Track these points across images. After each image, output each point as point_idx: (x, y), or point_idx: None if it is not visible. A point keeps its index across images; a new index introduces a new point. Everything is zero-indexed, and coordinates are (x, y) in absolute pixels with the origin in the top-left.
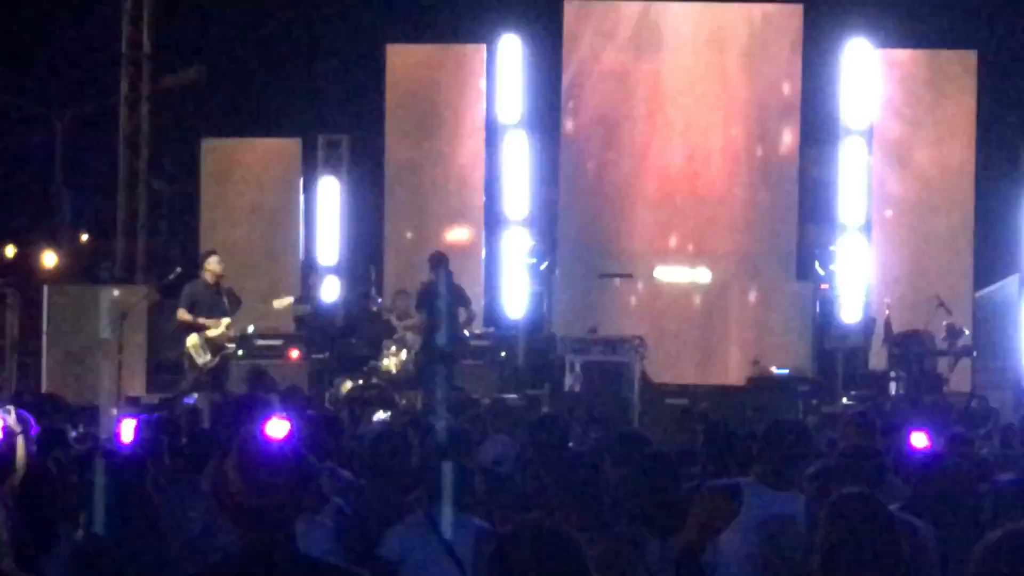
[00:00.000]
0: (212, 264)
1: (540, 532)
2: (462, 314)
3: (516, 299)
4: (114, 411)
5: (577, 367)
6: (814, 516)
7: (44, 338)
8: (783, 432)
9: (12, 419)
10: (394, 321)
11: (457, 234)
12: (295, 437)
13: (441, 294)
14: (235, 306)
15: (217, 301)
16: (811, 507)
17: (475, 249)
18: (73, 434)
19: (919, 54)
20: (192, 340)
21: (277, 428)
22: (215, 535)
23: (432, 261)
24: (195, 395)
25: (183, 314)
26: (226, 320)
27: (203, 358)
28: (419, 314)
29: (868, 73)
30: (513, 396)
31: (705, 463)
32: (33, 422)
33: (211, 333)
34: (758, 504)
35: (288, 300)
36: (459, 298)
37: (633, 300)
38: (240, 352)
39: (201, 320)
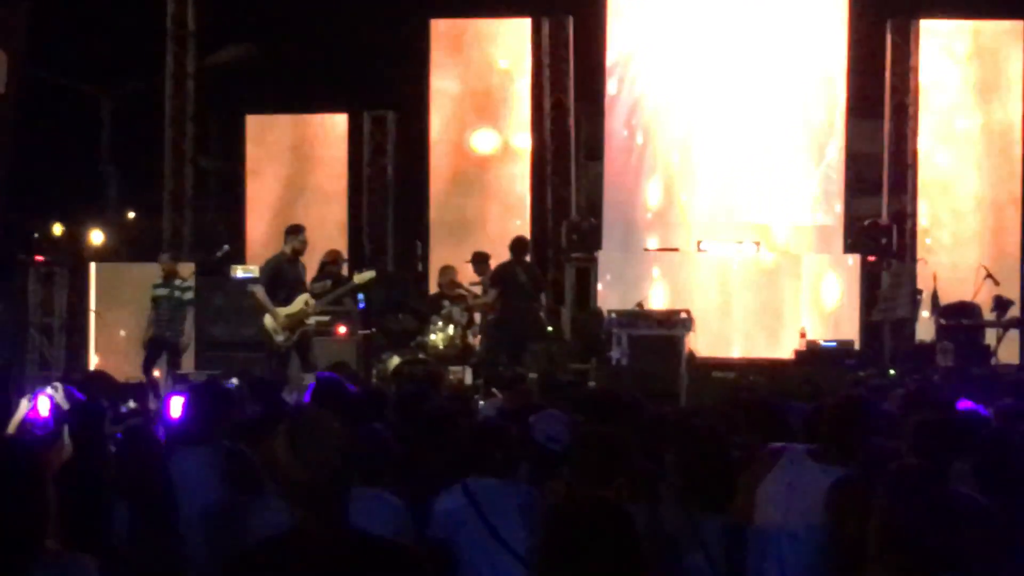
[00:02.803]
0: (299, 237)
1: (592, 505)
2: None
3: (562, 273)
4: (163, 388)
5: (624, 341)
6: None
7: (92, 316)
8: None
9: (60, 396)
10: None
11: (502, 209)
12: (337, 413)
13: (519, 277)
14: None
15: (299, 276)
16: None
17: (521, 226)
18: (123, 409)
19: (965, 25)
20: (268, 320)
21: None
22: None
23: (513, 245)
24: (234, 380)
25: (259, 292)
26: (304, 296)
27: (280, 336)
28: (491, 291)
29: (913, 45)
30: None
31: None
32: (81, 399)
33: (285, 311)
34: (782, 478)
35: (370, 274)
36: (538, 283)
37: (679, 274)
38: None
39: (270, 305)
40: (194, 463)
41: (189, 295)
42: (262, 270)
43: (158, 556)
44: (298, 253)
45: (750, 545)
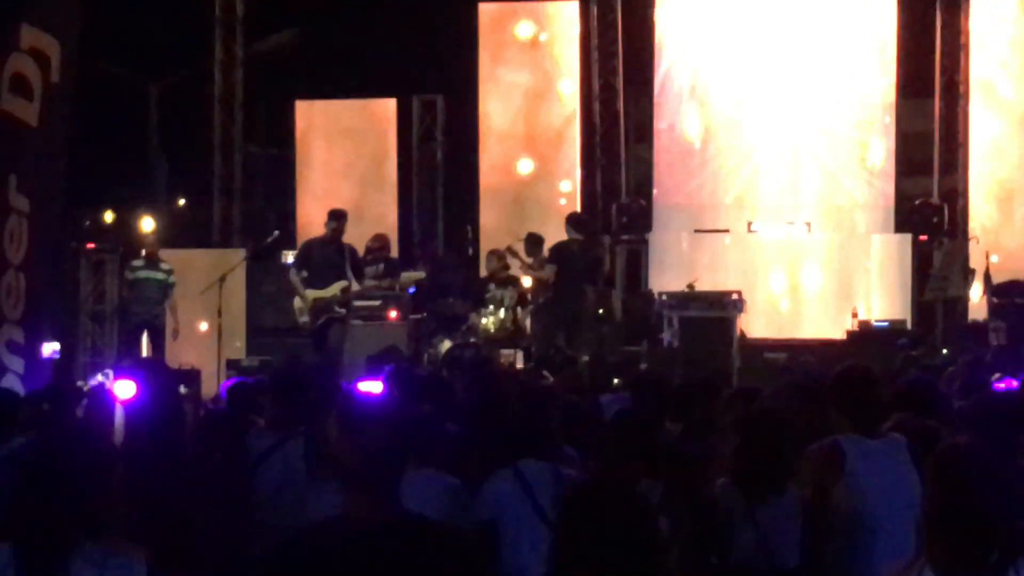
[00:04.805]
0: (330, 222)
1: (605, 488)
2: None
3: (613, 256)
4: (215, 374)
5: (675, 323)
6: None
7: None
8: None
9: (110, 382)
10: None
11: (553, 192)
12: (394, 396)
13: (576, 257)
14: (358, 269)
15: (333, 260)
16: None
17: (570, 206)
18: None
19: (1016, 1)
20: (296, 301)
21: (375, 387)
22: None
23: (570, 221)
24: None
25: (292, 275)
26: (340, 283)
27: (302, 319)
28: (549, 267)
29: (963, 23)
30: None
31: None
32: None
33: (316, 294)
34: (860, 457)
35: (419, 275)
36: (594, 264)
37: (730, 255)
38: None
39: (300, 286)
40: (272, 448)
41: (173, 278)
42: (298, 252)
43: (232, 541)
44: (334, 237)
45: (839, 531)
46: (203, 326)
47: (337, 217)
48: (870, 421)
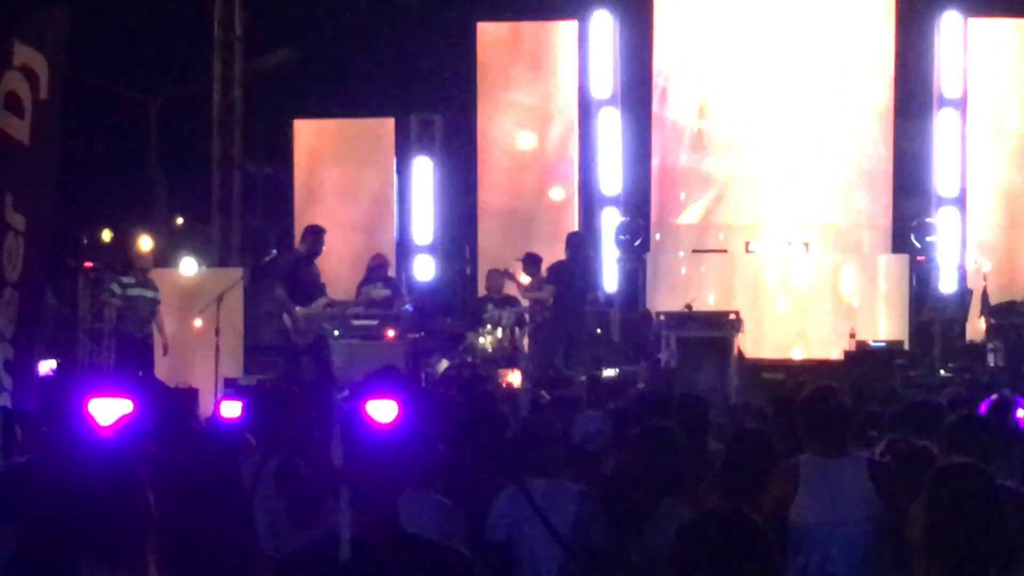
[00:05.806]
0: (310, 238)
1: (729, 520)
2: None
3: (611, 275)
4: (212, 393)
5: (673, 343)
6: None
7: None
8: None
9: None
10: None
11: (551, 212)
12: (397, 415)
13: (575, 276)
14: None
15: (314, 277)
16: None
17: (568, 227)
18: None
19: (1014, 23)
20: (286, 318)
21: (378, 407)
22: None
23: (569, 240)
24: None
25: (279, 292)
26: (322, 300)
27: (298, 336)
28: (547, 287)
29: (962, 43)
30: (609, 372)
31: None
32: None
33: (305, 311)
34: (816, 475)
35: (386, 292)
36: (590, 280)
37: (728, 275)
38: (336, 332)
39: (292, 305)
40: (264, 468)
41: (159, 295)
42: (279, 268)
43: (232, 564)
44: (314, 254)
45: (794, 546)
46: (200, 344)
47: (317, 232)
48: (832, 442)
